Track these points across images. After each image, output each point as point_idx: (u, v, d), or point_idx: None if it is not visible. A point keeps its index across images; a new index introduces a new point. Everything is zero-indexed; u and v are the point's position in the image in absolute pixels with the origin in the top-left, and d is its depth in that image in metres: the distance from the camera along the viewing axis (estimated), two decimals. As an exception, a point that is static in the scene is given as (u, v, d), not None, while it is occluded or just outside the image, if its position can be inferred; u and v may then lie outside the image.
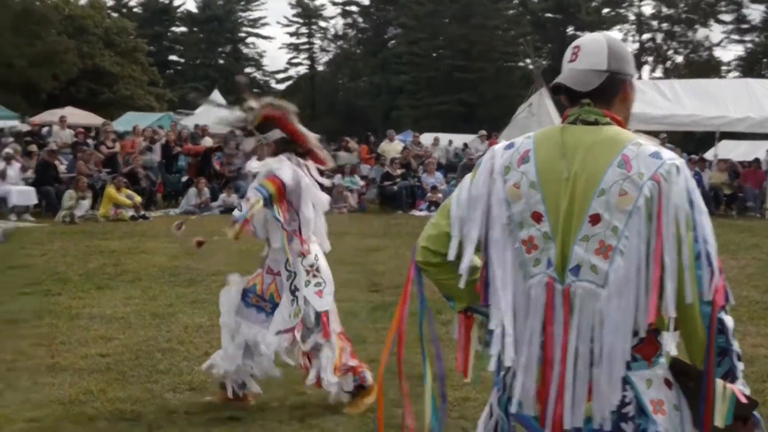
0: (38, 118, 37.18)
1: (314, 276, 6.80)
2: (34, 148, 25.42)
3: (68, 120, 29.37)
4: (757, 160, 28.73)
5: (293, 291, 6.75)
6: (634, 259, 2.80)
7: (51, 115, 35.58)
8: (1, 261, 14.45)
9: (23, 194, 22.02)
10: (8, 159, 22.53)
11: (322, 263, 6.88)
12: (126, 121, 36.97)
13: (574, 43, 3.12)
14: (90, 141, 27.32)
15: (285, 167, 6.67)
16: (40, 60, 52.51)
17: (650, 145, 2.89)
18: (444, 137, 36.98)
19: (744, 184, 27.02)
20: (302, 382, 6.95)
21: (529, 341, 2.97)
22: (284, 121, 6.90)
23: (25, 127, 30.63)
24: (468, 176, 3.18)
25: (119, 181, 22.29)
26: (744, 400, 2.84)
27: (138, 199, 22.46)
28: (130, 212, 21.82)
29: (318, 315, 6.79)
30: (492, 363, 3.11)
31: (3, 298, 11.21)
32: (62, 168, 23.74)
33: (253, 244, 13.30)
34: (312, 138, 7.04)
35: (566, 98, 3.08)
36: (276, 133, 6.87)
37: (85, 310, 10.51)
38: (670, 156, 2.87)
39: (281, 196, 6.61)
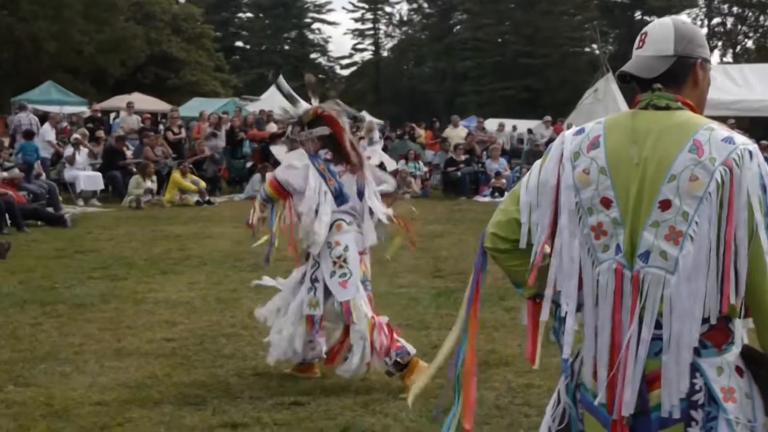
0: (106, 104, 37.65)
1: (340, 267, 6.88)
2: (101, 133, 25.71)
3: (135, 106, 29.61)
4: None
5: (313, 281, 6.92)
6: (704, 246, 2.76)
7: (119, 101, 35.96)
8: (68, 246, 14.66)
9: (90, 179, 22.32)
10: (76, 144, 22.82)
11: (351, 254, 6.93)
12: (192, 107, 37.26)
13: (643, 30, 3.08)
14: (160, 127, 27.61)
15: (292, 167, 6.91)
16: (109, 46, 53.10)
17: (723, 130, 2.84)
18: (508, 123, 36.69)
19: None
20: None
21: (600, 328, 2.94)
22: (334, 120, 6.97)
23: (87, 113, 30.95)
24: (538, 162, 3.14)
25: (185, 166, 22.49)
26: None
27: (203, 184, 22.64)
28: (195, 197, 22.01)
29: (341, 304, 6.88)
30: (563, 350, 3.07)
31: (71, 282, 11.35)
32: (129, 153, 23.98)
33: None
34: (354, 144, 7.09)
35: (637, 85, 3.03)
36: (323, 130, 6.97)
37: (150, 295, 10.62)
38: (743, 141, 2.81)
39: (281, 192, 6.99)
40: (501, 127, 32.70)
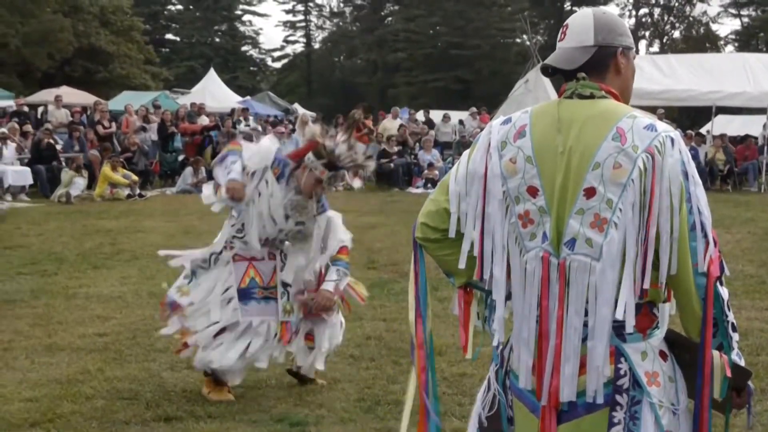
0: (33, 98, 37.07)
1: None
2: (29, 128, 25.37)
3: (64, 99, 29.23)
4: (747, 137, 28.69)
5: (285, 285, 6.74)
6: (628, 232, 2.81)
7: (46, 95, 35.47)
8: (-3, 241, 14.46)
9: (18, 174, 21.99)
10: (3, 139, 22.50)
11: None
12: (122, 100, 36.80)
13: (565, 22, 3.12)
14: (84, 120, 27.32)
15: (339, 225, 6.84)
16: (35, 39, 52.25)
17: (645, 118, 2.89)
18: (440, 114, 36.76)
19: (740, 160, 27.10)
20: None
21: (527, 315, 2.98)
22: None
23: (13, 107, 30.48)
24: (466, 152, 3.18)
25: (115, 160, 22.26)
26: (729, 373, 2.86)
27: (135, 178, 22.44)
28: (126, 191, 21.80)
29: None
30: (494, 338, 3.12)
31: (0, 278, 11.20)
32: (58, 147, 23.70)
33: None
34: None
35: (562, 76, 3.07)
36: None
37: (82, 290, 10.52)
38: (664, 128, 2.87)
39: None
40: (446, 118, 32.61)
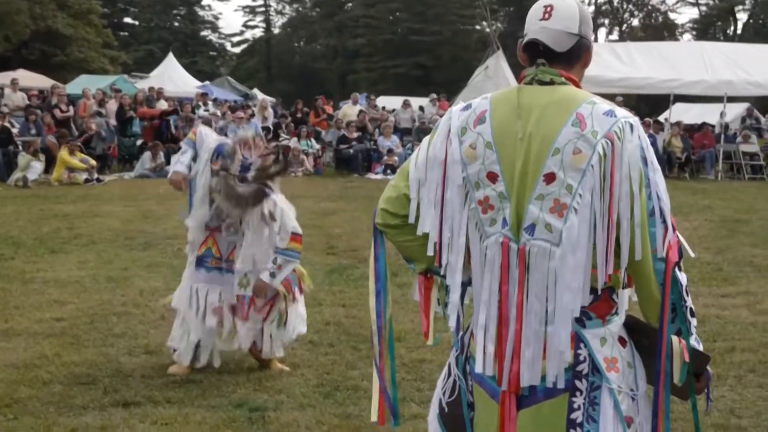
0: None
1: None
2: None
3: (20, 83, 28.97)
4: (705, 125, 28.92)
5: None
6: (587, 217, 2.82)
7: (2, 78, 35.10)
8: (-47, 225, 14.31)
9: (-26, 158, 21.74)
10: (-41, 123, 22.25)
11: None
12: (79, 84, 36.43)
13: (543, 2, 3.04)
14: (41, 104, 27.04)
15: (288, 213, 6.80)
16: (-10, 21, 51.69)
17: (604, 104, 2.90)
18: (400, 100, 36.78)
19: (698, 147, 27.35)
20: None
21: (487, 301, 2.98)
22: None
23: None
24: (426, 138, 3.17)
25: (72, 144, 22.07)
26: (687, 358, 2.88)
27: (93, 162, 22.27)
28: (84, 176, 21.63)
29: None
30: (452, 323, 3.12)
31: (-45, 263, 11.10)
32: (14, 131, 23.48)
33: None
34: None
35: (527, 57, 3.05)
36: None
37: (39, 274, 10.44)
38: (624, 114, 2.88)
39: None
40: (407, 104, 32.57)
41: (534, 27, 3.02)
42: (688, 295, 2.92)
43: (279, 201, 6.72)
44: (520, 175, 2.89)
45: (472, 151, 2.98)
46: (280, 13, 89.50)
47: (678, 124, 28.16)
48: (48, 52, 56.46)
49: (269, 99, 34.62)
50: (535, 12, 3.05)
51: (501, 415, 2.98)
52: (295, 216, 6.83)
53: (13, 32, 52.91)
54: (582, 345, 2.91)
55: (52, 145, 22.68)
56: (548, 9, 3.02)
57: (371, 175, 25.00)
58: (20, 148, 22.34)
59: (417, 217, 3.11)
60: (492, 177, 2.94)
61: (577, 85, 3.00)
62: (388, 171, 24.54)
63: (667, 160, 25.90)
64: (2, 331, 7.95)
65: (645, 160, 2.83)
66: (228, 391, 6.48)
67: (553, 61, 2.98)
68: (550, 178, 2.85)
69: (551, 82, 2.95)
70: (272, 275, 6.67)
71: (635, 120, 2.89)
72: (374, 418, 3.38)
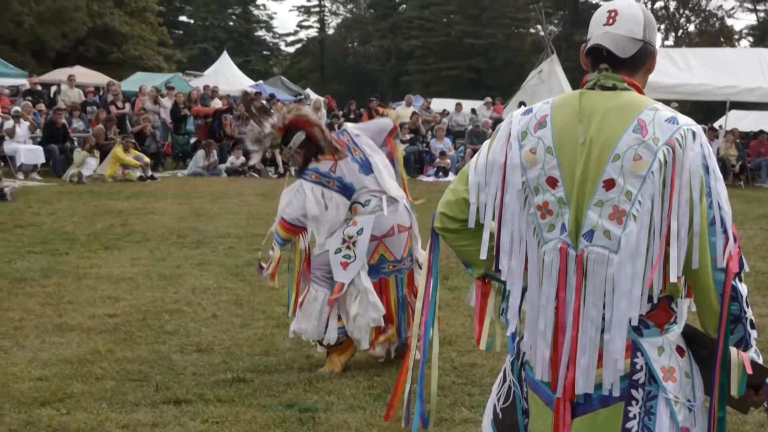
0: (47, 77, 37.10)
1: (347, 247, 6.80)
2: (42, 107, 25.39)
3: (77, 79, 29.26)
4: (761, 132, 28.58)
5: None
6: (646, 225, 2.79)
7: (60, 74, 35.47)
8: (8, 220, 14.48)
9: (31, 153, 22.01)
10: (17, 117, 22.50)
11: (363, 239, 6.79)
12: (135, 81, 36.76)
13: (608, 6, 3.02)
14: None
15: (294, 199, 6.78)
16: (49, 18, 52.24)
17: (667, 111, 2.87)
18: (452, 103, 36.72)
19: (753, 155, 27.04)
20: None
21: (544, 307, 2.96)
22: (301, 120, 6.87)
23: (26, 86, 30.45)
24: (487, 142, 3.16)
25: (127, 141, 22.27)
26: (750, 370, 2.83)
27: (147, 159, 22.46)
28: (138, 173, 21.81)
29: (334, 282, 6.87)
30: (511, 329, 3.11)
31: (11, 257, 11.23)
32: (79, 126, 23.81)
33: (261, 207, 13.41)
34: (324, 132, 6.93)
35: (590, 62, 3.02)
36: (299, 137, 6.84)
37: (92, 270, 10.53)
38: (686, 121, 2.85)
39: (294, 231, 6.80)
40: (459, 107, 32.52)
41: (598, 32, 2.98)
42: (748, 307, 2.88)
43: (301, 186, 6.75)
44: (579, 180, 2.87)
45: (532, 155, 2.96)
46: (334, 13, 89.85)
47: (733, 131, 27.84)
48: (104, 50, 57.12)
49: (322, 99, 34.62)
50: (599, 17, 3.01)
51: (555, 423, 2.96)
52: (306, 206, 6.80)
53: (70, 29, 53.56)
54: (639, 354, 2.88)
55: (100, 132, 22.77)
56: (612, 14, 2.97)
57: (423, 178, 24.95)
58: (76, 144, 22.57)
59: (476, 222, 3.10)
60: (552, 182, 2.92)
61: (640, 91, 2.97)
62: (440, 174, 24.53)
63: (721, 168, 25.55)
64: (56, 326, 8.02)
65: (707, 169, 2.80)
66: (279, 392, 6.48)
67: (616, 66, 2.94)
68: (609, 184, 2.82)
69: (614, 88, 2.92)
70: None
71: (698, 128, 2.85)
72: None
